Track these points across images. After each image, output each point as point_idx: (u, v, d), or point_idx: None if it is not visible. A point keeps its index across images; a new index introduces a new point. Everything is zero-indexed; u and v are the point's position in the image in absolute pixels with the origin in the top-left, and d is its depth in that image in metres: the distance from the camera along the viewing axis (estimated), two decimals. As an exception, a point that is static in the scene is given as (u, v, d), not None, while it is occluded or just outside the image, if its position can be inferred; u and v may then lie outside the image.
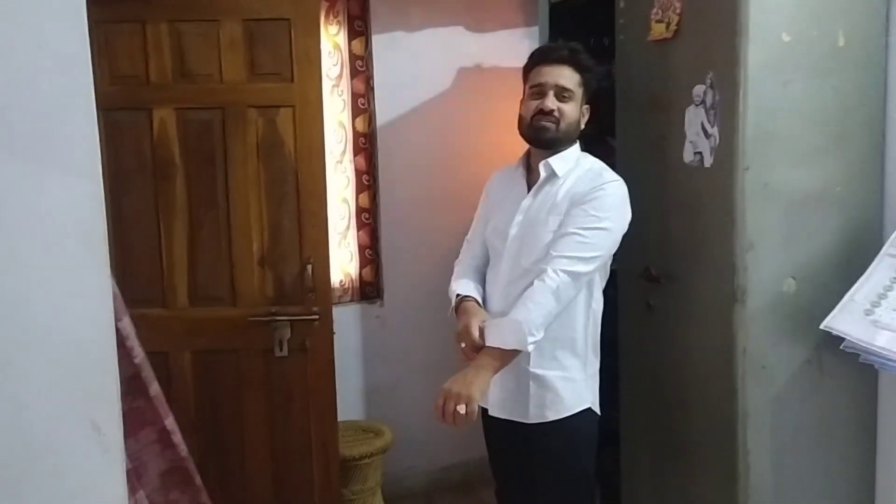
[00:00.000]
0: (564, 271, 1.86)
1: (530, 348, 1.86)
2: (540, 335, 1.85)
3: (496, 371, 1.86)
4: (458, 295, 2.07)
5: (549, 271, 1.87)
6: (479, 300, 2.07)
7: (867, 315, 1.84)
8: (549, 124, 1.99)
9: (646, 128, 2.26)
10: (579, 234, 1.89)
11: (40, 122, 1.27)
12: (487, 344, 1.87)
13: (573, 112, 2.01)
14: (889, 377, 2.05)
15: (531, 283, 1.90)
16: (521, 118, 2.06)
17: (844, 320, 1.87)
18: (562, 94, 1.99)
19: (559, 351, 1.99)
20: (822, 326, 1.91)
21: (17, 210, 1.27)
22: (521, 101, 2.08)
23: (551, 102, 1.99)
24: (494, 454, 2.22)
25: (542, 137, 2.01)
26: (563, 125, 1.99)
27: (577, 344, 2.01)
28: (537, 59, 2.05)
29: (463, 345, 1.95)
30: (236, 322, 2.50)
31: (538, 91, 2.01)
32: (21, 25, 1.25)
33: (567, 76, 2.00)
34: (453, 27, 3.22)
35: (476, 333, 1.91)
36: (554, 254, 1.89)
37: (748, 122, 1.91)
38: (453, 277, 2.15)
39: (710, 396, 2.09)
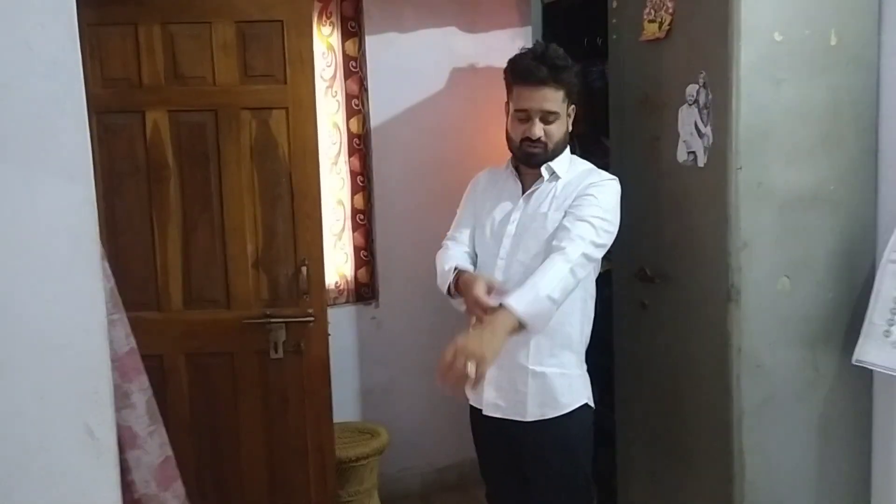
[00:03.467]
0: (583, 253, 1.85)
1: (553, 310, 1.80)
2: (558, 303, 1.81)
3: (510, 336, 1.76)
4: (455, 268, 2.02)
5: (569, 249, 1.84)
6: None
7: (886, 337, 1.88)
8: (537, 151, 1.99)
9: (639, 128, 2.26)
10: (592, 223, 1.89)
11: (31, 125, 1.27)
12: (511, 303, 1.76)
13: (560, 129, 2.00)
14: (883, 376, 2.05)
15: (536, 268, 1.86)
16: (509, 138, 2.04)
17: (871, 351, 1.93)
18: (547, 117, 1.97)
19: (557, 347, 1.99)
20: (854, 362, 1.97)
21: (9, 214, 1.27)
22: (507, 114, 2.05)
23: (538, 130, 1.96)
24: (487, 456, 2.21)
25: (531, 162, 2.02)
26: (551, 146, 1.99)
27: (574, 340, 2.01)
28: (517, 79, 1.99)
29: (474, 319, 1.89)
30: (231, 324, 2.50)
31: (524, 117, 1.98)
32: (11, 28, 1.25)
33: (550, 98, 1.96)
34: (446, 27, 3.22)
35: (486, 298, 1.84)
36: (570, 235, 1.87)
37: (741, 121, 1.91)
38: (441, 262, 2.09)
39: (706, 396, 2.09)
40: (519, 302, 1.76)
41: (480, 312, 1.85)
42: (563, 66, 1.95)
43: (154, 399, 1.97)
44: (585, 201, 1.93)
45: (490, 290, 1.88)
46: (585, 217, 1.90)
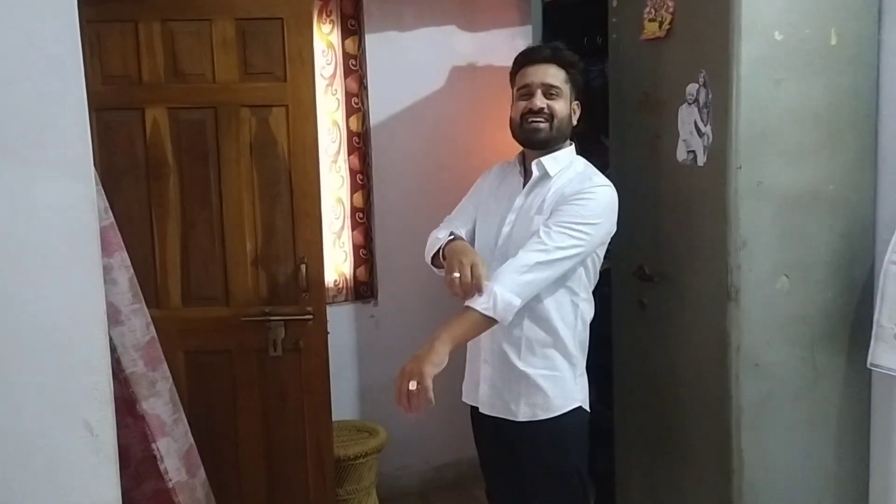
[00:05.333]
0: (534, 255, 1.85)
1: (480, 307, 1.80)
2: (505, 306, 1.81)
3: (455, 342, 1.81)
4: (451, 235, 2.02)
5: (521, 253, 1.86)
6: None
7: None
8: (541, 124, 1.99)
9: (639, 127, 2.26)
10: (559, 227, 1.88)
11: (32, 122, 1.27)
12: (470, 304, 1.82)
13: (563, 109, 2.01)
14: (882, 375, 2.06)
15: None
16: (511, 121, 2.07)
17: (884, 354, 1.92)
18: (549, 91, 2.00)
19: (548, 350, 1.99)
20: (868, 366, 1.97)
21: (9, 211, 1.27)
22: (511, 106, 2.08)
23: (540, 101, 1.99)
24: (485, 453, 2.21)
25: (535, 138, 2.01)
26: (555, 122, 1.99)
27: (567, 345, 2.00)
28: (521, 62, 2.06)
29: (456, 274, 1.84)
30: (230, 322, 2.50)
31: (526, 92, 2.02)
32: (12, 25, 1.25)
33: (552, 74, 2.01)
34: (446, 26, 3.22)
35: (482, 269, 1.82)
36: (530, 241, 1.88)
37: (741, 120, 1.91)
38: (434, 235, 2.11)
39: (704, 394, 2.09)
40: (478, 302, 1.81)
41: (463, 285, 1.84)
42: (564, 48, 2.03)
43: (175, 387, 1.97)
44: (567, 208, 1.91)
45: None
46: (557, 223, 1.89)
